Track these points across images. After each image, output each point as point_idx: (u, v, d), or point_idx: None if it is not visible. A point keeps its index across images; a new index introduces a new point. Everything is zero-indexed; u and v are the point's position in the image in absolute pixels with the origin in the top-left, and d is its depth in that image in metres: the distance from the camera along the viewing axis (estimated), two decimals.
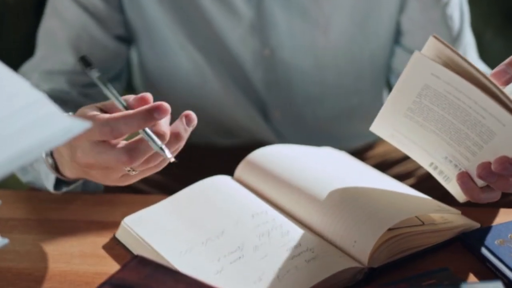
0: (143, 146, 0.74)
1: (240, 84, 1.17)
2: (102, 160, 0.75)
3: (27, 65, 1.13)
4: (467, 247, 0.78)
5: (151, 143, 0.73)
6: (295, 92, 1.18)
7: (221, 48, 1.14)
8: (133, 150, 0.74)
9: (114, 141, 0.75)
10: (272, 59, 1.14)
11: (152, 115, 0.73)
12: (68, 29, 1.10)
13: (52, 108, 0.54)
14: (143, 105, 0.76)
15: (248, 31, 1.11)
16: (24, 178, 0.98)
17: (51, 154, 0.87)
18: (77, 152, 0.76)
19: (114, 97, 0.77)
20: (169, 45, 1.14)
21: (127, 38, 1.16)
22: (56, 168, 0.87)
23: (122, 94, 1.18)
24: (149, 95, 0.77)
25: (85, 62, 0.77)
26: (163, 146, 0.74)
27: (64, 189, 0.91)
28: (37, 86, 1.07)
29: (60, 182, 0.90)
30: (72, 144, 0.77)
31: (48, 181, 0.90)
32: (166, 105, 0.74)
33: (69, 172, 0.85)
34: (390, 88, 1.40)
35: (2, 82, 0.54)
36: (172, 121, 1.15)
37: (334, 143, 1.06)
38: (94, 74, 0.77)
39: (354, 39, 1.13)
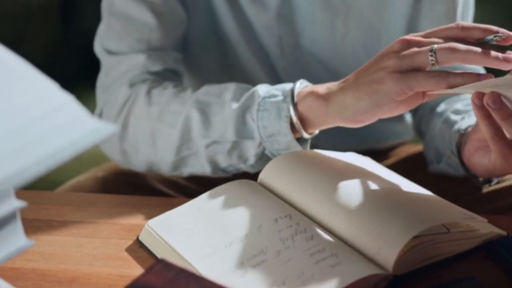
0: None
1: (266, 71, 1.17)
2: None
3: (114, 44, 1.08)
4: (493, 256, 0.77)
5: None
6: (314, 81, 1.18)
7: (251, 34, 1.14)
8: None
9: None
10: (295, 47, 1.14)
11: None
12: (149, 7, 1.07)
13: (80, 111, 0.54)
14: None
15: (274, 19, 1.11)
16: (203, 138, 0.96)
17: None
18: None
19: None
20: (217, 9, 1.14)
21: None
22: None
23: None
24: None
25: None
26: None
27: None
28: (148, 67, 1.06)
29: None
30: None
31: (280, 115, 0.90)
32: None
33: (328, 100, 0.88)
34: None
35: (31, 84, 0.54)
36: None
37: (352, 139, 1.06)
38: None
39: (372, 25, 1.12)
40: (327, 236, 0.77)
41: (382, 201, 0.79)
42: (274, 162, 0.89)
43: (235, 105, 0.94)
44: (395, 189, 0.84)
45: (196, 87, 1.13)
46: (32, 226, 0.88)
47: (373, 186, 0.83)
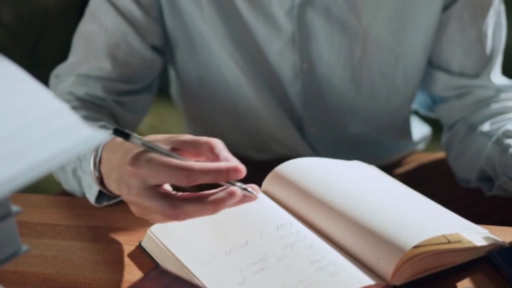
0: (191, 208, 0.71)
1: (277, 98, 1.16)
2: (148, 205, 0.72)
3: (62, 68, 1.13)
4: (494, 267, 0.76)
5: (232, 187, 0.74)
6: (329, 107, 1.17)
7: (261, 60, 1.13)
8: (181, 209, 0.71)
9: (165, 189, 0.73)
10: (310, 73, 1.13)
11: (228, 174, 0.72)
12: (106, 36, 1.09)
13: (73, 118, 0.55)
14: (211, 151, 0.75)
15: (288, 45, 1.10)
16: (66, 186, 0.99)
17: (98, 167, 0.84)
18: (125, 184, 0.74)
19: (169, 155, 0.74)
20: (211, 55, 1.14)
21: (162, 49, 1.16)
22: (101, 181, 0.84)
23: (152, 105, 1.18)
24: (216, 144, 0.76)
25: (122, 134, 0.74)
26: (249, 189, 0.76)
27: (105, 203, 0.89)
28: (72, 89, 1.08)
29: (101, 195, 0.89)
30: (123, 172, 0.75)
31: (91, 193, 0.88)
32: (243, 169, 0.73)
33: (114, 189, 0.81)
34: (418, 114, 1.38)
35: (25, 91, 0.55)
36: (216, 129, 1.15)
37: (365, 159, 1.04)
38: (137, 141, 0.74)
39: (389, 48, 1.12)
40: (326, 244, 0.77)
41: (383, 210, 0.78)
42: (277, 170, 0.89)
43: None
44: (397, 199, 0.83)
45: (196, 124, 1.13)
46: (37, 230, 0.88)
47: (375, 195, 0.82)
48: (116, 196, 0.87)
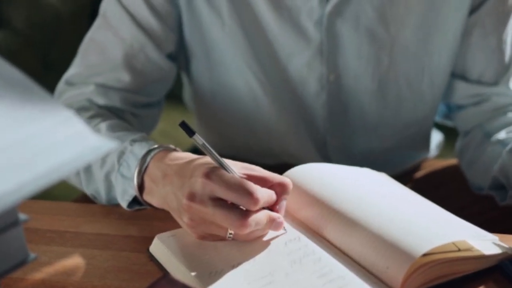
0: (257, 219, 0.76)
1: (298, 111, 1.15)
2: (211, 213, 0.75)
3: (75, 75, 1.10)
4: (506, 277, 0.75)
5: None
6: (353, 120, 1.16)
7: (283, 73, 1.12)
8: (250, 220, 0.75)
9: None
10: (336, 84, 1.12)
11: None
12: (124, 47, 1.07)
13: (81, 127, 0.55)
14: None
15: (316, 56, 1.09)
16: (86, 189, 0.98)
17: (142, 174, 0.87)
18: (188, 190, 0.77)
19: (224, 166, 0.78)
20: (227, 68, 1.13)
21: (176, 56, 1.15)
22: (139, 188, 0.88)
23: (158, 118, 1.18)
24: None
25: (188, 130, 0.77)
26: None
27: (136, 207, 0.92)
28: (91, 97, 1.07)
29: (133, 201, 0.92)
30: (189, 181, 0.78)
31: (124, 197, 0.91)
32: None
33: (156, 201, 0.86)
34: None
35: (33, 100, 0.55)
36: (229, 138, 1.15)
37: (381, 170, 1.04)
38: (199, 140, 0.78)
39: (416, 56, 1.11)
40: (334, 257, 0.76)
41: (392, 218, 0.78)
42: (286, 175, 0.88)
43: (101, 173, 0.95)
44: (406, 206, 0.83)
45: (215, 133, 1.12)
46: (45, 237, 0.88)
47: (384, 203, 0.82)
48: (148, 206, 0.90)
